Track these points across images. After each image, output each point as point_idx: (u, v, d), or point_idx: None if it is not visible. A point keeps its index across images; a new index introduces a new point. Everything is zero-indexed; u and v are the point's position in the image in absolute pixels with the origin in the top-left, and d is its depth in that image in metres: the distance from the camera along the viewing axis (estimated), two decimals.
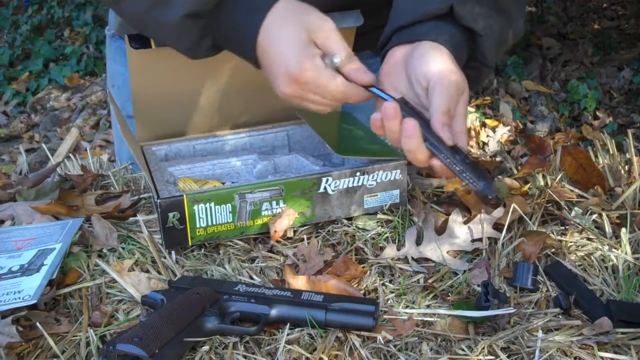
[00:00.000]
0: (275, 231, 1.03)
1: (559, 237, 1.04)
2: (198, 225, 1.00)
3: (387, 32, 0.97)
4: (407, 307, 0.90)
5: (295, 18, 0.88)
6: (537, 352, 0.80)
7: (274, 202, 1.03)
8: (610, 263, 0.98)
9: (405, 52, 0.92)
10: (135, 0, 0.90)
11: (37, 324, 0.84)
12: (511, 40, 1.01)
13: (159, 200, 0.97)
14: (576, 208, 1.10)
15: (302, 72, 0.87)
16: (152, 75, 1.11)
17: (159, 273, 0.97)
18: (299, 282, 0.92)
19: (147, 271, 0.98)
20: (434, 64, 0.88)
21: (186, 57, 0.96)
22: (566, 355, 0.80)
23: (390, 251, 1.01)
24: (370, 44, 1.06)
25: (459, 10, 0.91)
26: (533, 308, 0.89)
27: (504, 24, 0.97)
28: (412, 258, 1.00)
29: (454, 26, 0.93)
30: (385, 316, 0.88)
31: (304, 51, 0.87)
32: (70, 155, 1.65)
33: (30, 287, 0.89)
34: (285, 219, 1.03)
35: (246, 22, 0.89)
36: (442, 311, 0.88)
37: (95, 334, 0.85)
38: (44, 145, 2.42)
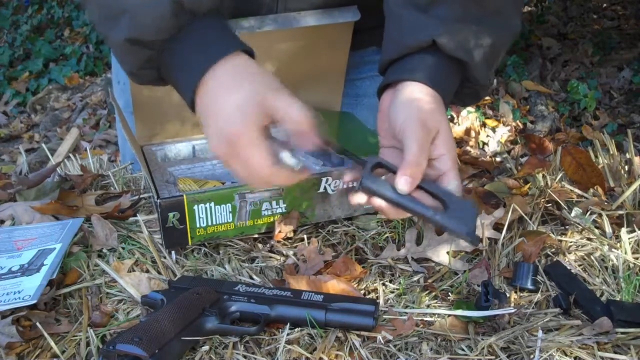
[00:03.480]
0: (279, 231, 1.03)
1: (559, 237, 1.04)
2: (198, 225, 1.00)
3: (381, 65, 0.97)
4: (407, 307, 0.90)
5: (250, 78, 0.83)
6: (537, 352, 0.80)
7: (274, 202, 1.03)
8: (610, 263, 0.98)
9: (389, 99, 0.91)
10: (92, 10, 0.87)
11: (37, 324, 0.84)
12: (508, 43, 1.00)
13: (159, 200, 0.97)
14: (576, 208, 1.10)
15: (237, 137, 0.80)
16: None
17: (159, 273, 0.97)
18: (299, 282, 0.92)
19: (147, 271, 0.98)
20: (403, 112, 0.87)
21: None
22: (566, 355, 0.80)
23: (390, 251, 1.01)
24: (374, 40, 1.06)
25: (441, 42, 0.90)
26: (533, 308, 0.89)
27: (495, 35, 0.94)
28: (412, 258, 1.00)
29: (439, 57, 0.91)
30: (385, 316, 0.88)
31: (249, 118, 0.81)
32: (70, 155, 1.65)
33: (30, 287, 0.89)
34: (292, 221, 1.04)
35: (190, 67, 0.83)
36: (442, 311, 0.88)
37: (95, 334, 0.85)
38: (44, 145, 2.42)
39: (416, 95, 0.89)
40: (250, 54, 0.86)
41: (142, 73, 0.87)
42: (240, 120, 0.80)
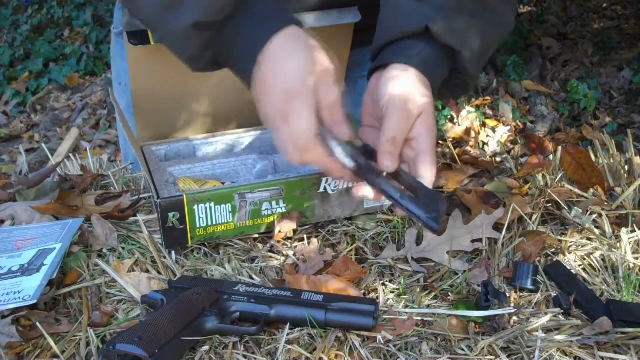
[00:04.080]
0: (279, 231, 1.03)
1: (559, 237, 1.04)
2: (198, 225, 1.00)
3: (374, 49, 0.99)
4: (407, 307, 0.90)
5: (309, 48, 0.87)
6: (537, 352, 0.80)
7: (274, 202, 1.03)
8: (610, 263, 0.98)
9: (377, 80, 0.93)
10: (147, 2, 0.89)
11: (37, 324, 0.84)
12: (500, 40, 1.02)
13: (159, 200, 0.97)
14: (576, 208, 1.09)
15: (293, 96, 0.84)
16: (151, 72, 1.11)
17: (159, 273, 0.97)
18: (299, 282, 0.92)
19: (147, 271, 0.98)
20: (390, 91, 0.89)
21: (187, 67, 0.96)
22: (566, 355, 0.80)
23: (390, 251, 1.01)
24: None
25: (435, 29, 0.92)
26: (533, 308, 0.89)
27: (489, 29, 0.96)
28: (412, 258, 1.00)
29: (431, 44, 0.93)
30: (385, 316, 0.88)
31: (309, 83, 0.85)
32: (70, 155, 1.65)
33: (30, 287, 0.89)
34: (292, 221, 1.04)
35: (251, 39, 0.87)
36: (442, 311, 0.88)
37: (95, 334, 0.85)
38: (44, 145, 2.42)
39: (403, 77, 0.91)
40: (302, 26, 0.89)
41: (202, 56, 0.90)
42: (300, 82, 0.84)
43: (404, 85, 0.90)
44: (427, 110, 0.89)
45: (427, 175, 0.88)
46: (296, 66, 0.84)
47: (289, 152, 0.86)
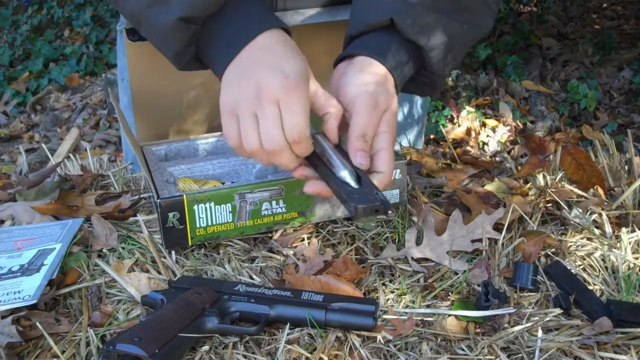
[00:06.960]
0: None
1: (559, 237, 1.04)
2: (198, 225, 1.00)
3: (344, 40, 0.98)
4: (407, 307, 0.90)
5: (296, 50, 0.87)
6: (537, 352, 0.80)
7: (274, 202, 1.03)
8: (610, 263, 0.98)
9: (342, 70, 0.93)
10: None
11: (37, 324, 0.84)
12: (473, 41, 1.01)
13: (159, 200, 0.97)
14: (576, 208, 1.10)
15: (296, 78, 0.82)
16: (150, 69, 1.11)
17: (159, 273, 0.97)
18: (299, 282, 0.92)
19: (147, 271, 0.98)
20: (356, 85, 0.89)
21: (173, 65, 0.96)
22: (566, 355, 0.80)
23: (390, 251, 1.01)
24: None
25: (399, 23, 0.91)
26: (533, 308, 0.89)
27: (461, 29, 0.96)
28: (412, 258, 1.00)
29: (396, 38, 0.93)
30: (385, 316, 0.88)
31: (307, 74, 0.84)
32: (70, 155, 1.65)
33: (30, 287, 0.89)
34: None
35: (234, 34, 0.87)
36: (442, 311, 0.88)
37: (95, 334, 0.85)
38: (44, 145, 2.41)
39: (368, 69, 0.91)
40: (288, 32, 0.89)
41: (185, 52, 0.91)
42: (303, 75, 0.83)
43: (370, 81, 0.89)
44: (392, 106, 0.89)
45: (385, 170, 0.87)
46: (297, 61, 0.84)
47: (271, 142, 0.83)
